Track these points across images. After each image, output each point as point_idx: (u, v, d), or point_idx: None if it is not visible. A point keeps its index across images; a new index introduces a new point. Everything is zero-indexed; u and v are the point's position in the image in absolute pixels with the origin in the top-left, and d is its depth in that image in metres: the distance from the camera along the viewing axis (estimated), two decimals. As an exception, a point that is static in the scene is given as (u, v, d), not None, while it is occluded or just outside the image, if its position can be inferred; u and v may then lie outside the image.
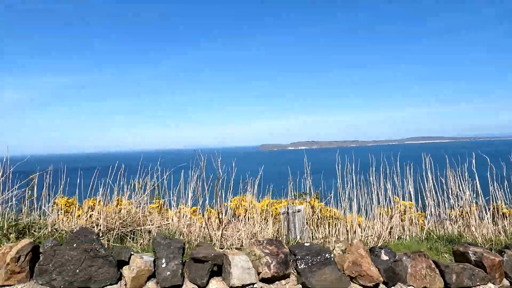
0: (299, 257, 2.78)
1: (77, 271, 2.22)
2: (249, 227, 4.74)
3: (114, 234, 3.98)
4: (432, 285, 3.13)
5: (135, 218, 4.33)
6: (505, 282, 3.42)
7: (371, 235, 5.13)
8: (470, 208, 5.71)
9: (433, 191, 5.95)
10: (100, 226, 4.01)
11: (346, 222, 5.07)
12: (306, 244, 2.97)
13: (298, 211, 5.14)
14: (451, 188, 5.86)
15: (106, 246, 3.13)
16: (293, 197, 5.44)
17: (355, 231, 5.03)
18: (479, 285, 3.29)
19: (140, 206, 4.67)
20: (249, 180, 5.21)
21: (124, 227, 4.19)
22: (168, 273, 2.41)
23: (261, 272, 2.66)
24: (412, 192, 5.82)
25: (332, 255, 2.91)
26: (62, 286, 2.17)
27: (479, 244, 4.58)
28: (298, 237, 4.71)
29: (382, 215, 5.38)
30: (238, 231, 4.49)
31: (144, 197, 4.63)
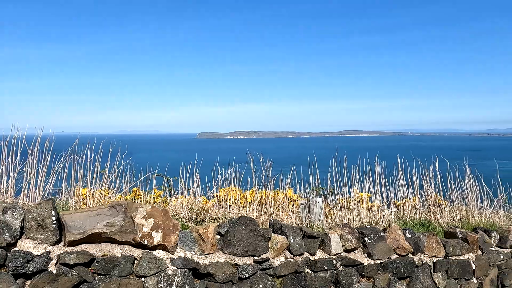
0: (366, 235, 4.10)
1: (248, 244, 3.32)
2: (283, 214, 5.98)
3: (194, 220, 5.00)
4: (438, 254, 4.63)
5: (203, 207, 5.37)
6: (479, 252, 5.04)
7: (370, 222, 6.61)
8: (434, 200, 7.47)
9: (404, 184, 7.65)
10: (183, 214, 5.00)
11: (354, 210, 6.50)
12: (368, 226, 4.30)
13: (317, 203, 6.45)
14: (420, 183, 7.58)
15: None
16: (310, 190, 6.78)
17: (361, 218, 6.46)
18: (464, 254, 4.87)
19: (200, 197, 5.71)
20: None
21: (198, 215, 5.21)
22: (297, 245, 3.59)
23: (345, 245, 3.93)
24: (385, 184, 7.40)
25: (384, 234, 4.27)
26: (240, 254, 3.26)
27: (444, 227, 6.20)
28: (318, 223, 6.05)
29: (373, 206, 6.91)
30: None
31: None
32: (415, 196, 7.79)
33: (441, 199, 7.67)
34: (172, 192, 5.73)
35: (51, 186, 4.45)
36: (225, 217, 5.32)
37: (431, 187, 7.70)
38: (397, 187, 7.68)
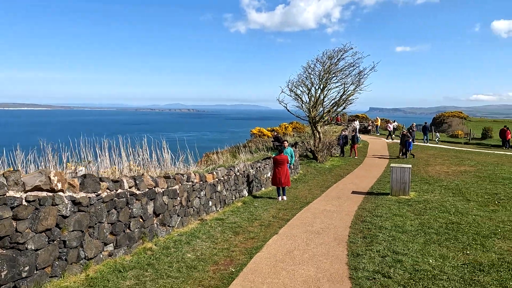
0: (136, 179, 7.97)
1: (93, 186, 6.59)
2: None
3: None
4: (164, 186, 9.11)
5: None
6: (180, 184, 9.94)
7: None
8: (147, 164, 12.05)
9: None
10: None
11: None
12: (136, 175, 8.16)
13: (81, 171, 9.62)
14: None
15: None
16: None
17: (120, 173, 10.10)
18: (174, 185, 9.60)
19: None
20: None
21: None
22: (111, 186, 7.07)
23: (128, 184, 7.66)
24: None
25: (143, 177, 8.26)
26: (90, 192, 6.54)
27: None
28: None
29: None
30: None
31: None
32: (132, 162, 11.99)
33: (150, 162, 12.28)
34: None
35: None
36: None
37: (146, 154, 12.15)
38: (119, 157, 11.65)
